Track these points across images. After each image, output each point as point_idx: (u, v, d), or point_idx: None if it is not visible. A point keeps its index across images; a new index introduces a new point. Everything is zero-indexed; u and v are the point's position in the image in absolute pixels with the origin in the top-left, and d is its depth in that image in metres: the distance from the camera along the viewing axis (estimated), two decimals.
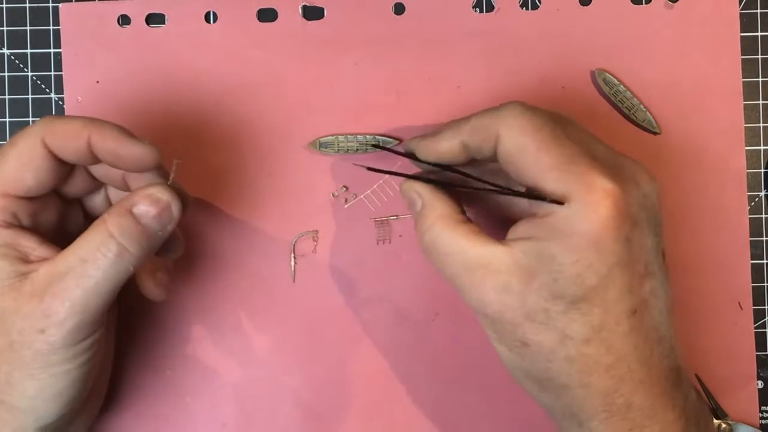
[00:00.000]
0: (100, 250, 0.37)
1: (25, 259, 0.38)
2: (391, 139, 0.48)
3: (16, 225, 0.39)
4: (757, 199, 0.49)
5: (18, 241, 0.38)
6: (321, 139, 0.48)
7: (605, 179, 0.34)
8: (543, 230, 0.36)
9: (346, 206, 0.49)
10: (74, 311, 0.37)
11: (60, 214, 0.42)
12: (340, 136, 0.48)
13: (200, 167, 0.49)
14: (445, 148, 0.40)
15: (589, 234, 0.34)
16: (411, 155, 0.42)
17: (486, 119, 0.38)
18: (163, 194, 0.39)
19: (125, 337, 0.48)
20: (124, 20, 0.49)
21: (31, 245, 0.38)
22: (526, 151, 0.36)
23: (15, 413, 0.39)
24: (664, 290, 0.37)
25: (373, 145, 0.47)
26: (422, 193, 0.41)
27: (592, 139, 0.38)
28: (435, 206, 0.40)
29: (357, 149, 0.48)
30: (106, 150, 0.38)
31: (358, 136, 0.48)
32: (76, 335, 0.38)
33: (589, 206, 0.34)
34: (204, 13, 0.49)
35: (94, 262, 0.37)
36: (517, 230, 0.37)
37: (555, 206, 0.35)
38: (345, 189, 0.49)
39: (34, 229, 0.39)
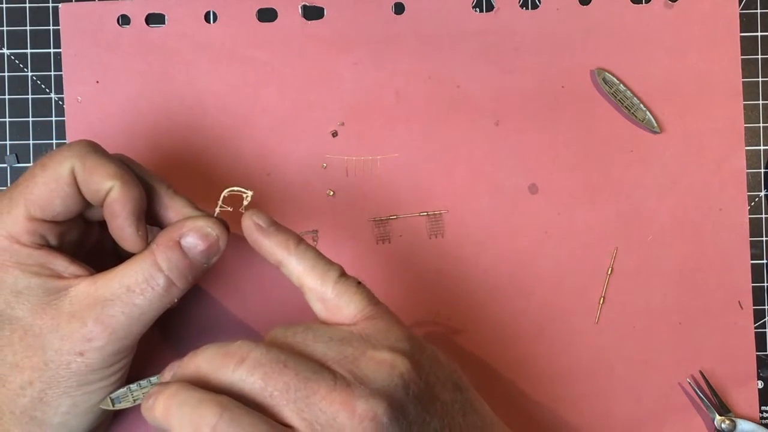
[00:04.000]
0: (149, 282, 0.38)
1: (58, 277, 0.38)
2: None
3: (45, 246, 0.39)
4: (757, 199, 0.49)
5: (50, 260, 0.38)
6: (112, 396, 0.41)
7: None
8: None
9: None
10: (116, 337, 0.38)
11: (83, 232, 0.42)
12: (132, 385, 0.41)
13: (199, 167, 0.49)
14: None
15: None
16: None
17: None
18: (212, 229, 0.39)
19: None
20: (123, 20, 0.49)
21: (63, 264, 0.39)
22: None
23: (46, 429, 0.39)
24: None
25: None
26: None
27: (308, 388, 0.34)
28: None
29: None
30: (109, 212, 0.38)
31: (152, 379, 0.42)
32: (114, 358, 0.39)
33: None
34: (204, 13, 0.49)
35: (142, 293, 0.38)
36: None
37: None
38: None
39: (61, 249, 0.40)
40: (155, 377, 0.41)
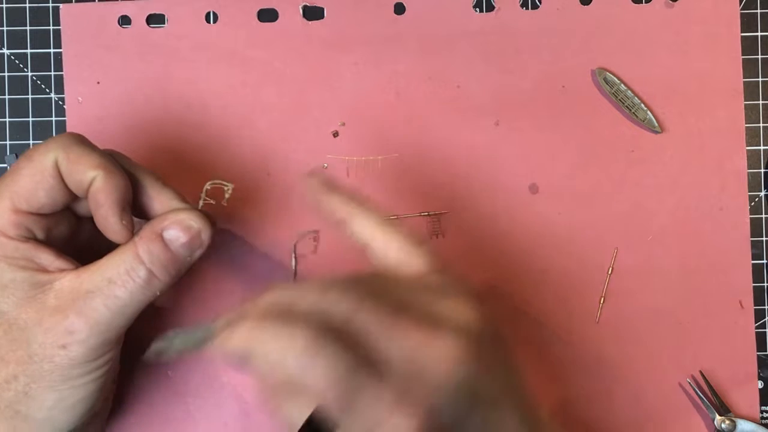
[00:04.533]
0: (130, 274, 0.38)
1: (44, 271, 0.38)
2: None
3: (32, 239, 0.39)
4: (757, 199, 0.49)
5: (36, 254, 0.38)
6: (167, 336, 0.39)
7: (404, 418, 0.32)
8: None
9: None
10: (99, 330, 0.38)
11: (72, 226, 0.42)
12: (177, 330, 0.39)
13: (200, 167, 0.49)
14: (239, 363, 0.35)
15: None
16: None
17: (268, 361, 0.33)
18: (194, 221, 0.39)
19: (126, 338, 0.48)
20: (124, 21, 0.49)
21: (49, 258, 0.39)
22: (313, 405, 0.33)
23: (31, 423, 0.39)
24: None
25: None
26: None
27: (391, 322, 0.34)
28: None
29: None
30: (94, 202, 0.38)
31: (200, 327, 0.39)
32: (97, 352, 0.39)
33: None
34: (204, 14, 0.49)
35: (123, 285, 0.38)
36: None
37: None
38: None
39: (48, 242, 0.40)
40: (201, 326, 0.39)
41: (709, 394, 0.48)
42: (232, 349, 0.34)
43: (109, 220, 0.38)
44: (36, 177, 0.37)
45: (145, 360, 0.40)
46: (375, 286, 0.36)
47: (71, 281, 0.38)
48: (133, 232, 0.39)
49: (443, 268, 0.38)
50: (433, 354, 0.33)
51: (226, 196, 0.40)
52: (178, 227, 0.39)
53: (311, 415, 0.34)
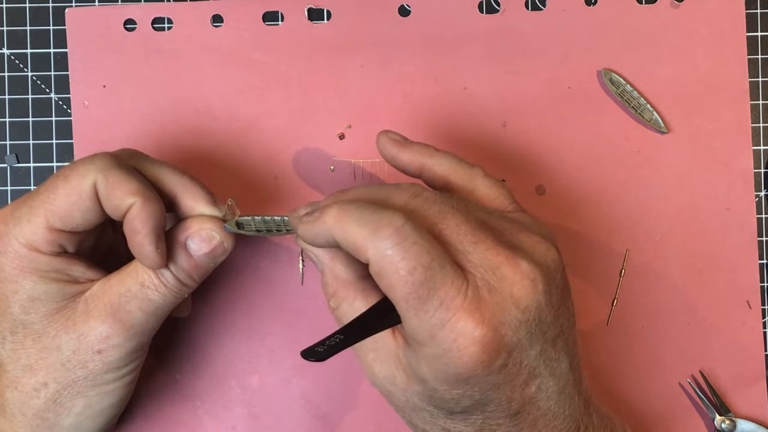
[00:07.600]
0: (160, 278, 0.39)
1: (75, 282, 0.39)
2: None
3: (63, 253, 0.39)
4: (757, 200, 0.50)
5: (68, 267, 0.39)
6: (238, 220, 0.41)
7: (471, 324, 0.32)
8: (416, 354, 0.35)
9: None
10: (134, 333, 0.39)
11: (99, 235, 0.42)
12: (256, 216, 0.41)
13: (207, 170, 0.49)
14: (321, 243, 0.36)
15: (458, 374, 0.33)
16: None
17: (358, 238, 0.33)
18: (217, 233, 0.40)
19: None
20: (130, 24, 0.49)
21: (80, 269, 0.39)
22: (388, 288, 0.33)
23: (57, 430, 0.39)
24: (554, 377, 0.36)
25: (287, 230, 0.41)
26: (320, 256, 0.39)
27: (476, 235, 0.34)
28: (335, 271, 0.39)
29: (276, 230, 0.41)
30: (130, 229, 0.37)
31: (275, 217, 0.41)
32: (131, 356, 0.39)
33: (453, 352, 0.33)
34: (210, 17, 0.49)
35: (156, 288, 0.39)
36: (405, 326, 0.34)
37: (425, 338, 0.33)
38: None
39: (78, 254, 0.40)
40: (277, 216, 0.41)
41: (709, 394, 0.48)
42: (317, 231, 0.35)
43: (145, 247, 0.37)
44: (72, 198, 0.37)
45: (227, 227, 0.40)
46: (465, 204, 0.36)
47: (101, 287, 0.39)
48: (166, 259, 0.39)
49: (522, 208, 0.39)
50: (511, 273, 0.33)
51: (237, 212, 0.41)
52: (198, 238, 0.40)
53: (376, 305, 0.35)
